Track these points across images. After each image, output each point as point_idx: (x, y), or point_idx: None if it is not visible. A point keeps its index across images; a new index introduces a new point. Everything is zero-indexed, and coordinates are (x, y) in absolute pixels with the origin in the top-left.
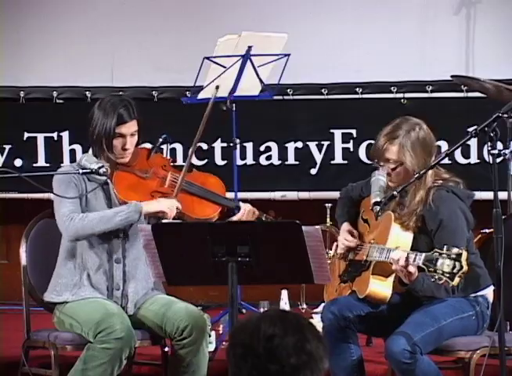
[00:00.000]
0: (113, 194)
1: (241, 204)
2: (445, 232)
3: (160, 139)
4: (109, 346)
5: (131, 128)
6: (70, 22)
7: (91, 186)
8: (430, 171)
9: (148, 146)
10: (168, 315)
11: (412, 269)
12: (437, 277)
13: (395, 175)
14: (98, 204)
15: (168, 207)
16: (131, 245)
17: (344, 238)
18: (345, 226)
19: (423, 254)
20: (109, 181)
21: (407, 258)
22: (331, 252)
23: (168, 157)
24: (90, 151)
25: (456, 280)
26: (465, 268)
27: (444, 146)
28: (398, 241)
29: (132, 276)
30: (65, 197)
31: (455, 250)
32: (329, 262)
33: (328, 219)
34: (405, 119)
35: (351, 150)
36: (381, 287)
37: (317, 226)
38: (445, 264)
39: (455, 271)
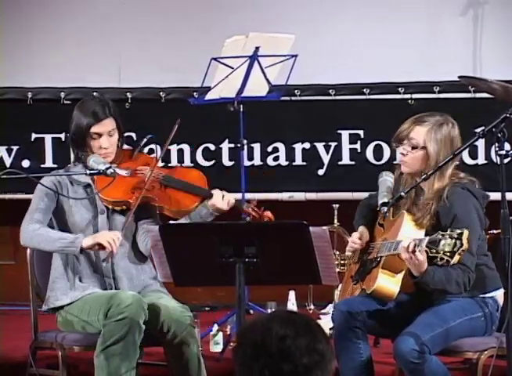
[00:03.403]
0: (96, 195)
1: (213, 191)
2: (459, 227)
3: (145, 139)
4: (123, 316)
5: (107, 126)
6: (77, 22)
7: (74, 190)
8: (450, 170)
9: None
10: (150, 317)
11: (420, 256)
12: (438, 258)
13: (411, 158)
14: (82, 207)
15: (107, 239)
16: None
17: (352, 240)
18: (359, 229)
19: (427, 237)
20: (91, 182)
21: (414, 244)
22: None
23: (153, 155)
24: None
25: (456, 257)
26: (465, 245)
27: None
28: (409, 237)
29: (122, 273)
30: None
31: (458, 230)
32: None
33: (335, 220)
34: (442, 114)
35: (359, 150)
36: (389, 283)
37: (324, 227)
38: (446, 244)
39: (455, 249)
